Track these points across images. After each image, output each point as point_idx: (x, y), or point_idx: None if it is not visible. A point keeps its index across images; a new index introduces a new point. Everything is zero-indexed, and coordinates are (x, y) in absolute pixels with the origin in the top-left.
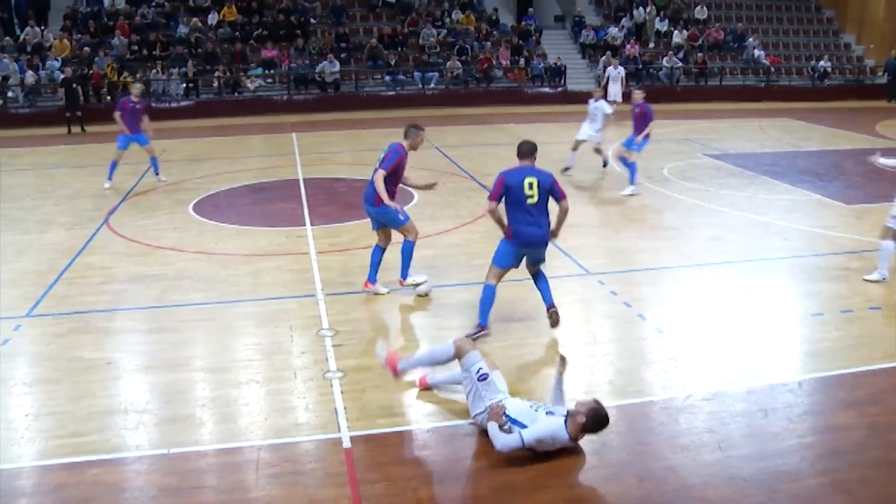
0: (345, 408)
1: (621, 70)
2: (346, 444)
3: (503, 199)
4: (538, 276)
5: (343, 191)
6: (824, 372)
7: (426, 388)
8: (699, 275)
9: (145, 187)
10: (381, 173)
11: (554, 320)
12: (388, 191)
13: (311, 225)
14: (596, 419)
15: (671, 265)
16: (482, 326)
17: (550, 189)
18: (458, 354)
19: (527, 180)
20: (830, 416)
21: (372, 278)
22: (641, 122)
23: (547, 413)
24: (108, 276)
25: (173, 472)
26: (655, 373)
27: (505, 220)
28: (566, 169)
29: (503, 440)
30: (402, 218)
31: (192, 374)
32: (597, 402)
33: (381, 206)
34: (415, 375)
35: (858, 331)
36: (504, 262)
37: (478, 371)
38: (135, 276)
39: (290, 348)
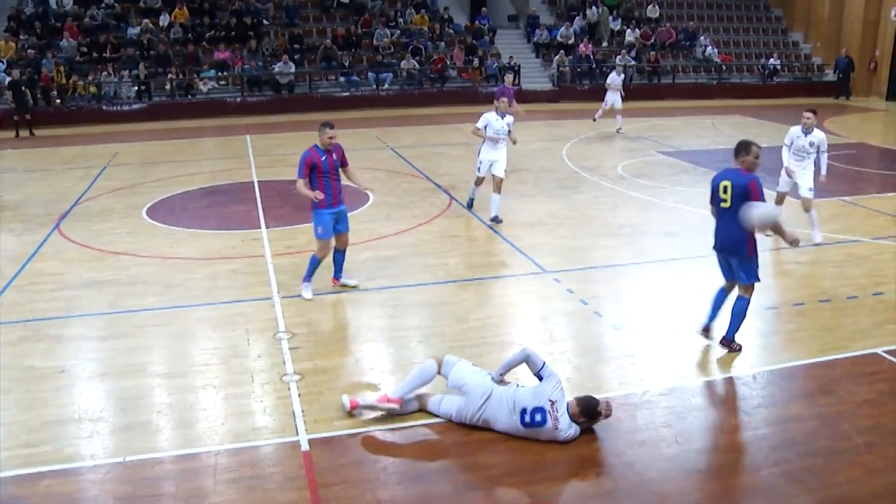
0: (302, 410)
1: (623, 76)
2: (305, 446)
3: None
4: (735, 301)
5: (298, 193)
6: (778, 364)
7: (355, 407)
8: (654, 271)
9: (97, 192)
10: (298, 182)
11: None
12: (318, 189)
13: (267, 227)
14: (587, 403)
15: (626, 262)
16: (705, 328)
17: (745, 194)
18: (439, 367)
19: (722, 184)
20: (783, 408)
21: (336, 275)
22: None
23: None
24: (60, 282)
25: (129, 481)
26: (612, 369)
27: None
28: (471, 202)
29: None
30: (319, 232)
31: (148, 380)
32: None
33: (312, 210)
34: (394, 393)
35: (810, 323)
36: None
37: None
38: (88, 281)
39: (247, 352)
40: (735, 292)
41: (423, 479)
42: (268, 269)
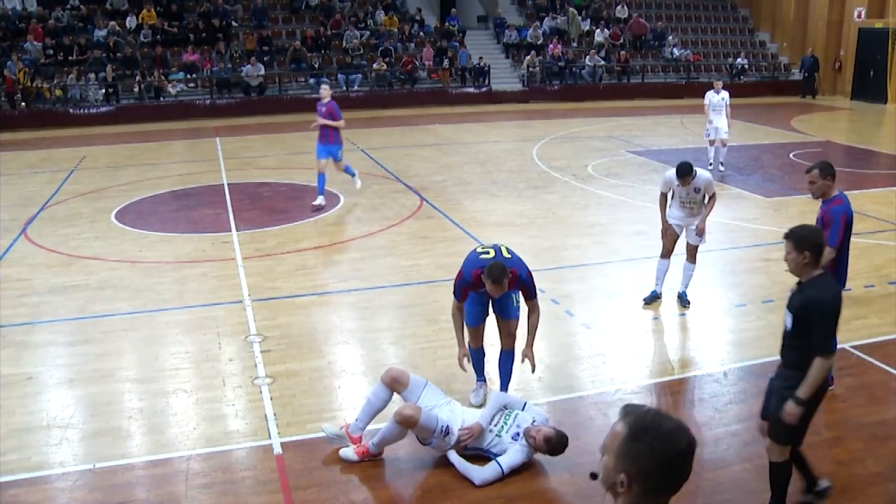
0: (275, 414)
1: (726, 95)
2: (277, 450)
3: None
4: None
5: (268, 195)
6: (748, 361)
7: (366, 455)
8: (625, 270)
9: (64, 196)
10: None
11: None
12: None
13: (237, 230)
14: (559, 442)
15: (597, 261)
16: None
17: None
18: (395, 387)
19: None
20: (754, 404)
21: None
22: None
23: (513, 438)
24: (27, 288)
25: (99, 488)
26: (584, 368)
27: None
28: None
29: (482, 474)
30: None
31: (118, 385)
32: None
33: None
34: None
35: (779, 320)
36: None
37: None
38: (55, 287)
39: (218, 355)
40: None
41: (396, 482)
42: (238, 272)
